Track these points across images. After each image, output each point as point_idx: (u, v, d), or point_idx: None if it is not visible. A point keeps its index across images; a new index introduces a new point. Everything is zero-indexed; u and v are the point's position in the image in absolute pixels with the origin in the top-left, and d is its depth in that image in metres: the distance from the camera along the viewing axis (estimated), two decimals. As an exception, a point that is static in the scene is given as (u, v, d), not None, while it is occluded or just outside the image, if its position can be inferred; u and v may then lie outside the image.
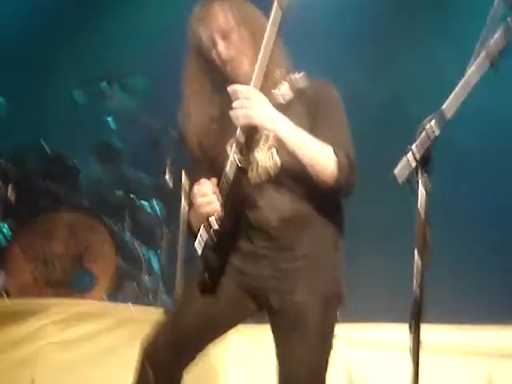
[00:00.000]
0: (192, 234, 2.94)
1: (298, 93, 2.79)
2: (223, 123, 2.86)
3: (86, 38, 7.32)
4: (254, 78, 2.72)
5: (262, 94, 2.72)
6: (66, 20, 7.40)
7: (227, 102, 2.77)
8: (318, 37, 6.82)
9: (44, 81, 7.29)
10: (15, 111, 6.29)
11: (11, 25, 7.32)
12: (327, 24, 6.88)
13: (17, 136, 6.15)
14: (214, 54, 2.89)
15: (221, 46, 2.86)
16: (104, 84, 6.20)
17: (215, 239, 2.81)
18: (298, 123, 2.79)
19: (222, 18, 2.86)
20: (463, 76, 2.30)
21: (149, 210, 6.19)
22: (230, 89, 2.74)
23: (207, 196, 2.78)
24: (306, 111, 2.87)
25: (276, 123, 2.72)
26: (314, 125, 2.84)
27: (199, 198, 2.80)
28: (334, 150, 2.77)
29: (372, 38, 6.91)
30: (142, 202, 6.25)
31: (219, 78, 2.92)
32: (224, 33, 2.86)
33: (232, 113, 2.72)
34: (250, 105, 2.69)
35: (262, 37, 2.71)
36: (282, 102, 2.74)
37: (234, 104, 2.71)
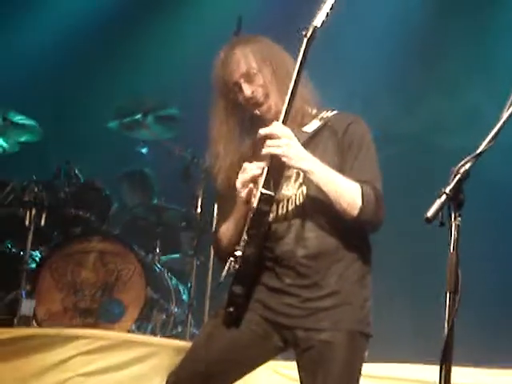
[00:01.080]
0: (220, 260, 2.97)
1: (328, 127, 2.84)
2: (255, 160, 2.85)
3: (122, 68, 7.40)
4: (282, 114, 2.74)
5: (291, 133, 2.74)
6: (103, 50, 7.49)
7: (258, 141, 2.80)
8: (351, 69, 6.85)
9: (79, 109, 7.36)
10: (49, 137, 6.34)
11: (48, 51, 7.42)
12: (360, 56, 6.90)
13: (51, 163, 6.18)
14: (240, 97, 2.93)
15: (246, 89, 2.90)
16: (139, 116, 6.24)
17: (240, 273, 2.80)
18: (326, 157, 2.81)
19: (244, 62, 2.91)
20: (498, 119, 2.26)
21: (180, 241, 6.17)
22: (260, 131, 2.76)
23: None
24: (335, 145, 2.89)
25: (305, 162, 2.74)
26: (343, 160, 2.86)
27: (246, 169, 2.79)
28: (362, 188, 2.77)
29: (405, 72, 6.92)
30: (174, 232, 6.24)
31: (247, 118, 2.96)
32: (248, 77, 2.91)
33: (263, 151, 2.74)
34: (280, 144, 2.71)
35: (285, 72, 2.81)
36: (310, 134, 2.78)
37: (263, 131, 2.74)
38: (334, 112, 3.00)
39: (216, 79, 2.98)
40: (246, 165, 2.81)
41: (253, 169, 2.78)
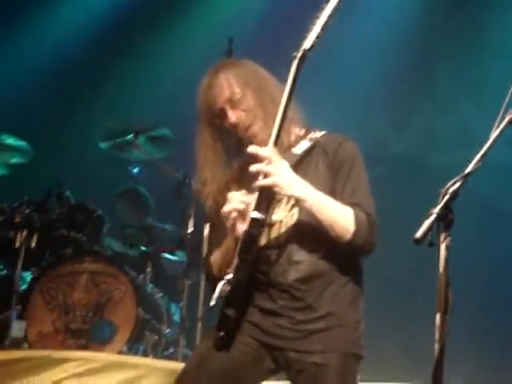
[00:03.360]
0: (211, 286, 2.92)
1: (318, 147, 2.84)
2: (242, 185, 2.86)
3: (112, 89, 7.42)
4: (272, 138, 2.73)
5: (280, 158, 2.72)
6: (93, 71, 7.51)
7: (245, 164, 2.80)
8: (345, 86, 6.87)
9: (70, 130, 7.37)
10: (39, 158, 6.34)
11: (38, 73, 7.43)
12: (353, 74, 6.92)
13: (41, 184, 6.17)
14: (225, 123, 2.92)
15: (231, 115, 2.90)
16: (130, 136, 6.25)
17: (232, 295, 2.79)
18: (317, 178, 2.82)
19: (228, 88, 2.91)
20: (487, 139, 2.27)
21: (171, 261, 6.16)
22: (249, 149, 2.75)
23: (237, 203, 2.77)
24: (326, 166, 2.89)
25: (295, 188, 2.73)
26: (334, 182, 2.86)
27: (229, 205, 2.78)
28: (354, 212, 2.77)
29: (397, 89, 6.95)
30: (165, 253, 6.23)
31: (234, 143, 2.96)
32: (232, 102, 2.91)
33: (252, 175, 2.73)
34: (270, 169, 2.70)
35: (269, 96, 2.82)
36: (300, 156, 2.78)
37: (254, 167, 2.72)
38: (323, 132, 3.00)
39: (200, 105, 2.97)
40: (230, 195, 2.80)
41: (236, 202, 2.77)
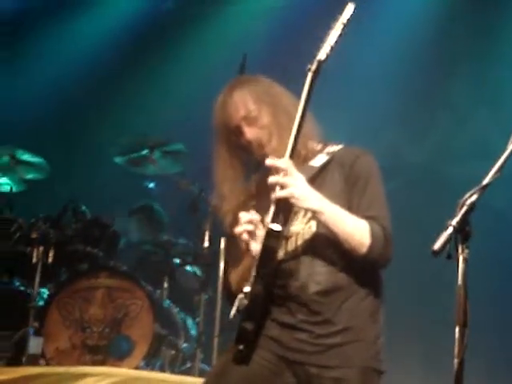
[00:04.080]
0: (230, 302, 2.91)
1: (335, 161, 2.84)
2: (261, 200, 2.86)
3: (127, 104, 7.45)
4: (288, 151, 2.72)
5: (296, 171, 2.72)
6: (109, 87, 7.55)
7: (263, 180, 2.79)
8: (360, 99, 6.86)
9: (86, 145, 7.40)
10: (55, 174, 6.36)
11: (54, 89, 7.47)
12: (369, 87, 6.91)
13: (57, 199, 6.19)
14: (242, 140, 2.92)
15: (247, 133, 2.90)
16: (146, 151, 6.25)
17: (250, 309, 2.77)
18: (333, 191, 2.81)
19: (243, 105, 2.90)
20: (505, 149, 2.25)
21: (188, 276, 6.15)
22: (267, 162, 2.75)
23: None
24: (342, 179, 2.87)
25: (311, 200, 2.72)
26: (350, 195, 2.84)
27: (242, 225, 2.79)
28: (370, 225, 2.75)
29: (413, 101, 6.93)
30: (181, 268, 6.22)
31: (252, 159, 2.95)
32: (248, 120, 2.90)
33: (270, 187, 2.72)
34: (287, 182, 2.69)
35: (285, 112, 2.82)
36: (317, 169, 2.78)
37: (271, 179, 2.72)
38: (340, 146, 2.99)
39: (216, 123, 2.97)
40: (241, 215, 2.80)
41: (245, 223, 2.78)
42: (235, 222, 2.89)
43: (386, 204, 2.88)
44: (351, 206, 2.81)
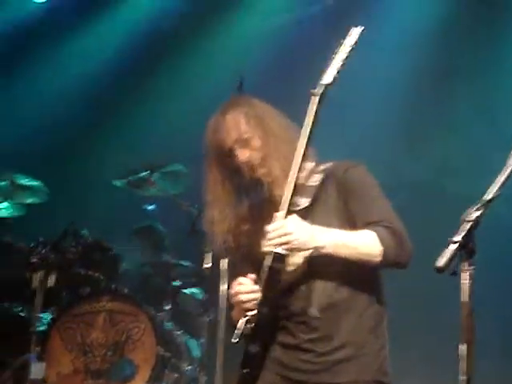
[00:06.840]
0: (232, 326, 2.91)
1: (328, 178, 2.86)
2: (254, 224, 2.86)
3: (126, 126, 7.45)
4: (293, 179, 2.71)
5: (296, 219, 2.71)
6: (106, 108, 7.56)
7: (255, 203, 2.83)
8: (359, 116, 6.86)
9: (83, 168, 7.39)
10: (55, 198, 6.34)
11: (50, 112, 7.47)
12: (368, 103, 6.91)
13: (57, 223, 6.17)
14: (235, 161, 2.89)
15: (241, 155, 2.88)
16: (145, 173, 6.24)
17: (255, 332, 2.79)
18: (329, 212, 2.82)
19: (236, 127, 2.88)
20: (505, 165, 2.24)
21: (189, 297, 6.12)
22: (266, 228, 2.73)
23: (247, 294, 2.80)
24: (337, 195, 2.86)
25: (313, 242, 2.72)
26: (349, 208, 2.83)
27: (240, 296, 2.81)
28: (376, 232, 2.73)
29: (412, 116, 6.93)
30: (183, 289, 6.20)
31: (244, 182, 2.91)
32: (241, 142, 2.88)
33: (262, 214, 2.78)
34: (283, 241, 2.69)
35: (279, 133, 2.82)
36: (313, 191, 2.81)
37: (270, 236, 2.71)
38: (331, 163, 2.97)
39: (209, 144, 2.94)
40: (238, 288, 2.82)
41: (245, 294, 2.81)
42: (225, 245, 2.92)
43: (386, 204, 2.87)
44: (352, 217, 2.81)
